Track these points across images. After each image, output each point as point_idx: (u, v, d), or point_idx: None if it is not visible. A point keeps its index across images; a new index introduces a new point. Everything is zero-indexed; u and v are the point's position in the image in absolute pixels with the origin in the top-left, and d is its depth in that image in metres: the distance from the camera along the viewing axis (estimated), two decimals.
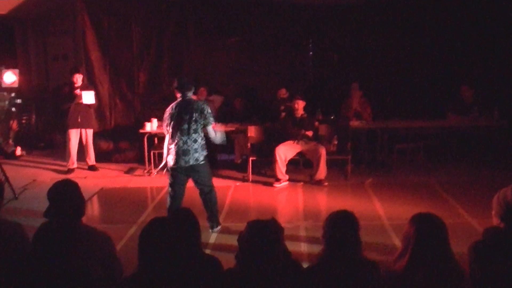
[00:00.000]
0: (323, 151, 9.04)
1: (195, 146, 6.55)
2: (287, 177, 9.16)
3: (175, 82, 6.70)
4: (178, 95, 6.68)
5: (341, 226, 3.35)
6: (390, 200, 8.09)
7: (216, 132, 6.72)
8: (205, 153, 6.67)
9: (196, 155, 6.57)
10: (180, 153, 6.55)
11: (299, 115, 9.34)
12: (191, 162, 6.57)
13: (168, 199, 6.80)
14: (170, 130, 6.64)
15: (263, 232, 3.19)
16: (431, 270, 3.15)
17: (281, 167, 9.05)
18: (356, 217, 3.46)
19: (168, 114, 6.69)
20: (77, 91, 9.94)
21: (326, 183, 9.03)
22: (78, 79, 10.02)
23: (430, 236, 3.22)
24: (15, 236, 3.80)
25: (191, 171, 6.65)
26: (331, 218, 3.42)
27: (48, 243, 3.44)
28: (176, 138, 6.57)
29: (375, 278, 3.34)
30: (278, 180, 9.07)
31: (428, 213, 3.40)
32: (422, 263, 3.17)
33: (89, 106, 10.12)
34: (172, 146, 6.61)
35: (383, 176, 9.54)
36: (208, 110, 6.61)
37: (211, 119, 6.61)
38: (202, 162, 6.64)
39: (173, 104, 6.72)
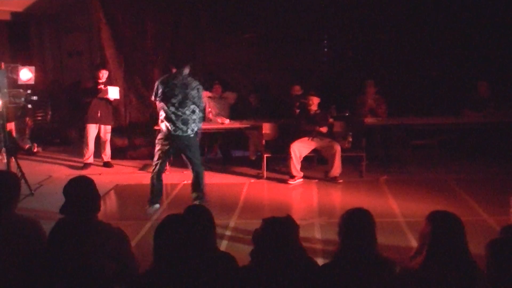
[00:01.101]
0: (338, 148, 9.01)
1: (194, 116, 6.83)
2: (301, 174, 9.13)
3: (172, 58, 7.06)
4: (174, 70, 6.92)
5: (356, 223, 3.34)
6: (405, 197, 8.04)
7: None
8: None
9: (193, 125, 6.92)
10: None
11: (313, 112, 9.31)
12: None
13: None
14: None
15: (279, 229, 3.19)
16: (448, 268, 3.13)
17: (296, 164, 9.03)
18: (372, 214, 3.44)
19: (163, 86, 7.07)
20: (102, 86, 10.01)
21: (340, 180, 8.99)
22: (104, 75, 10.11)
23: (446, 234, 3.19)
24: (31, 232, 3.82)
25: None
26: (347, 215, 3.41)
27: (64, 239, 3.45)
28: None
29: (390, 275, 3.32)
30: (292, 177, 9.05)
31: (444, 211, 3.38)
32: (438, 261, 3.15)
33: (111, 102, 10.18)
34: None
35: (398, 173, 9.48)
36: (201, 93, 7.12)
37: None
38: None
39: (167, 77, 7.10)
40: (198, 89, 7.06)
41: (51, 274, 3.35)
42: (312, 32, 11.59)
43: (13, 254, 3.67)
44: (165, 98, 7.09)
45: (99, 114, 10.14)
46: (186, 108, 6.95)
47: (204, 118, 7.32)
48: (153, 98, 7.29)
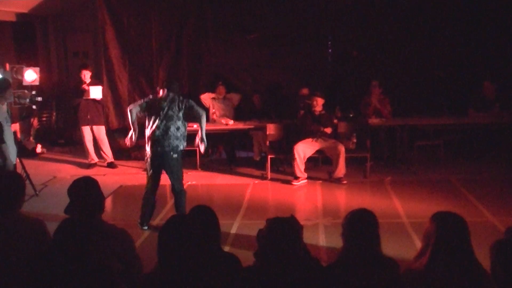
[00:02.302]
0: (342, 149, 9.00)
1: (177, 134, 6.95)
2: (305, 175, 9.13)
3: (166, 82, 7.19)
4: (163, 91, 7.01)
5: (360, 224, 3.33)
6: (410, 198, 8.03)
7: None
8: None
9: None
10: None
11: (318, 112, 9.30)
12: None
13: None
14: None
15: (283, 230, 3.19)
16: (452, 269, 3.12)
17: (300, 165, 9.02)
18: (375, 215, 3.44)
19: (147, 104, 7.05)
20: (85, 87, 10.00)
21: (345, 181, 8.98)
22: (86, 75, 10.10)
23: (451, 235, 3.18)
24: (36, 233, 3.83)
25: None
26: (351, 216, 3.40)
27: (69, 240, 3.46)
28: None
29: (394, 276, 3.32)
30: (296, 178, 9.04)
31: (449, 211, 3.37)
32: (443, 262, 3.14)
33: (97, 102, 10.17)
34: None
35: (403, 174, 9.47)
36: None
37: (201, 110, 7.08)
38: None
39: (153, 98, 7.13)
40: (182, 102, 6.97)
41: (56, 274, 3.35)
42: (317, 32, 11.56)
43: (18, 254, 3.69)
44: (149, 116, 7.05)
45: (89, 116, 10.14)
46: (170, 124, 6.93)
47: (208, 119, 7.21)
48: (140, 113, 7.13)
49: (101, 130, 10.35)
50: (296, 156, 8.99)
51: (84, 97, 10.01)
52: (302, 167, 9.06)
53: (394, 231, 6.51)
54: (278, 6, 11.36)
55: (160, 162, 6.97)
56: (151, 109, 6.94)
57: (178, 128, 6.91)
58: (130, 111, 7.05)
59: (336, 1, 11.32)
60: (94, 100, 10.10)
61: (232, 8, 11.41)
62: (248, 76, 11.71)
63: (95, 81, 10.41)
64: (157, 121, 6.90)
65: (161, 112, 6.86)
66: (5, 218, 3.82)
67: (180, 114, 6.92)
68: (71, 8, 12.72)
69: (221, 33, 11.57)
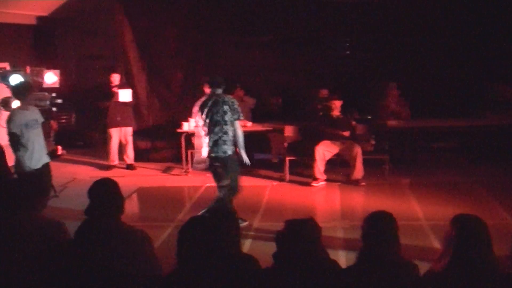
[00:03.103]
0: (358, 150, 8.97)
1: (225, 138, 6.69)
2: (325, 176, 9.11)
3: (208, 79, 6.95)
4: (208, 90, 6.85)
5: (379, 226, 3.32)
6: (429, 200, 7.98)
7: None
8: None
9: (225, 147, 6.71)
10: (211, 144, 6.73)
11: (336, 116, 9.28)
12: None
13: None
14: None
15: (302, 232, 3.18)
16: (473, 272, 3.09)
17: (320, 167, 9.01)
18: (395, 217, 3.42)
19: (199, 108, 6.82)
20: (115, 89, 10.11)
21: (363, 183, 8.95)
22: (116, 78, 10.20)
23: (472, 238, 3.15)
24: (57, 235, 3.86)
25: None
26: (370, 219, 3.39)
27: (89, 241, 3.49)
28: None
29: (414, 279, 3.30)
30: (316, 179, 9.02)
31: (469, 214, 3.34)
32: (463, 266, 3.11)
33: (126, 104, 10.26)
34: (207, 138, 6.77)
35: (422, 176, 9.40)
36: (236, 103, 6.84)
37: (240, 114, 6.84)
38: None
39: (203, 99, 6.88)
40: (232, 102, 6.78)
41: (76, 276, 3.39)
42: (334, 34, 11.55)
43: (38, 256, 3.72)
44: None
45: (118, 118, 10.23)
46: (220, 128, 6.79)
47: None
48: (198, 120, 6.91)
49: (128, 132, 10.45)
50: (317, 157, 8.97)
51: (114, 100, 10.11)
52: (322, 168, 9.04)
53: (413, 233, 6.47)
54: (294, 7, 11.35)
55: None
56: (200, 111, 6.83)
57: (225, 132, 6.74)
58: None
59: (353, 3, 11.28)
60: (123, 103, 10.20)
61: (248, 10, 11.42)
62: (263, 78, 11.72)
63: (124, 83, 10.52)
64: (205, 123, 6.79)
65: (206, 114, 6.77)
66: (24, 219, 3.86)
67: (226, 117, 6.75)
68: (89, 12, 12.82)
69: (236, 35, 11.60)
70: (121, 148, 10.47)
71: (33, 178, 4.49)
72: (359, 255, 3.36)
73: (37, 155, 6.93)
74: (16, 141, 6.77)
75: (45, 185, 7.06)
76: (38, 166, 6.91)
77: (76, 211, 6.88)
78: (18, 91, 7.13)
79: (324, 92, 10.71)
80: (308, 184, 9.03)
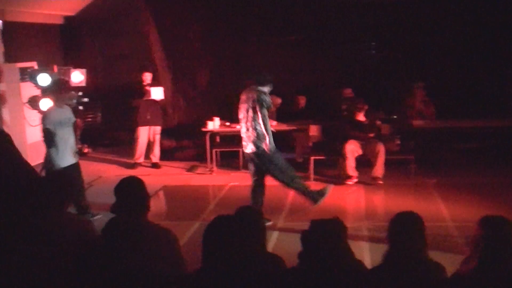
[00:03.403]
0: (381, 148, 8.91)
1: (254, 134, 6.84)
2: (357, 173, 9.05)
3: (254, 75, 7.10)
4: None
5: (406, 227, 3.30)
6: (455, 201, 7.90)
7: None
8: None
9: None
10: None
11: (361, 122, 9.25)
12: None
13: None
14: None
15: (328, 231, 3.17)
16: (502, 275, 3.05)
17: (351, 164, 8.97)
18: (422, 218, 3.39)
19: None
20: (147, 88, 10.16)
21: (381, 182, 8.88)
22: (148, 77, 10.26)
23: (499, 240, 3.11)
24: (84, 232, 3.90)
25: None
26: (397, 219, 3.36)
27: (115, 239, 3.51)
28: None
29: (441, 280, 3.27)
30: (349, 177, 8.98)
31: (497, 215, 3.30)
32: (491, 267, 3.08)
33: (157, 103, 10.32)
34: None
35: (448, 177, 9.28)
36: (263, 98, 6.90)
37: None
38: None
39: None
40: (258, 97, 6.88)
41: (103, 273, 3.41)
42: (360, 33, 11.48)
43: (66, 254, 3.76)
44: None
45: (148, 116, 10.29)
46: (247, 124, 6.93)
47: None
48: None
49: (156, 131, 10.51)
50: (348, 155, 8.94)
51: (145, 98, 10.17)
52: (354, 165, 9.01)
53: (438, 234, 6.41)
54: (320, 7, 11.32)
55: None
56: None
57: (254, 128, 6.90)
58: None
59: (379, 2, 11.21)
60: (154, 101, 10.26)
61: (273, 9, 11.41)
62: (289, 78, 11.69)
63: (155, 82, 10.59)
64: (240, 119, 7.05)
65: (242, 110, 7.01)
66: (52, 218, 3.91)
67: (256, 112, 6.89)
68: (115, 11, 12.94)
69: (262, 34, 11.59)
70: (148, 146, 10.54)
71: (63, 176, 4.54)
72: (385, 256, 3.34)
73: (67, 153, 7.04)
74: (49, 137, 6.92)
75: (74, 183, 7.16)
76: (68, 164, 7.02)
77: (102, 209, 6.99)
78: (52, 89, 7.26)
79: (348, 92, 10.65)
80: (333, 183, 8.97)
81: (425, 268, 3.25)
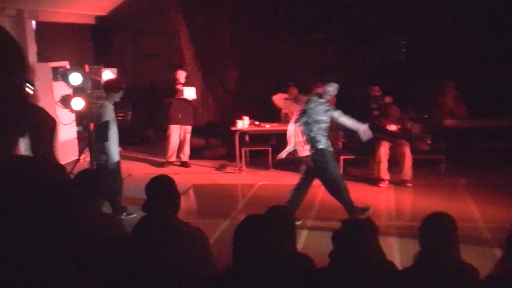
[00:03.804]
0: (407, 150, 8.81)
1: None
2: (389, 176, 8.99)
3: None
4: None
5: (438, 227, 3.26)
6: (487, 201, 7.78)
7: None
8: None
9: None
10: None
11: (388, 108, 9.21)
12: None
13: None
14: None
15: (359, 231, 3.15)
16: None
17: (385, 167, 8.92)
18: (454, 219, 3.35)
19: None
20: (179, 87, 10.21)
21: (409, 184, 8.79)
22: (181, 75, 10.30)
23: None
24: (114, 229, 3.95)
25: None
26: (429, 219, 3.33)
27: (147, 237, 3.54)
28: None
29: (474, 283, 3.22)
30: (382, 180, 8.91)
31: None
32: None
33: (189, 102, 10.36)
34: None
35: (479, 177, 9.15)
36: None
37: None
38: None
39: None
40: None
41: (133, 270, 3.44)
42: (390, 32, 11.39)
43: (96, 250, 3.81)
44: None
45: (180, 115, 10.34)
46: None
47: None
48: None
49: (187, 130, 10.56)
50: (383, 158, 8.89)
51: (177, 97, 10.23)
52: (386, 167, 8.97)
53: (470, 235, 6.32)
54: (350, 5, 11.25)
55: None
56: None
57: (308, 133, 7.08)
58: None
59: (410, 1, 11.10)
60: (185, 100, 10.31)
61: (303, 8, 11.38)
62: (318, 76, 11.63)
63: (186, 81, 10.65)
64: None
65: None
66: (85, 213, 3.97)
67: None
68: (146, 11, 13.05)
69: (291, 33, 11.57)
70: (179, 145, 10.59)
71: (95, 172, 4.64)
72: (416, 257, 3.31)
73: (117, 149, 7.29)
74: (107, 130, 7.11)
75: (116, 180, 7.36)
76: (117, 160, 7.23)
77: (131, 207, 7.07)
78: (109, 87, 7.43)
79: (376, 89, 10.57)
80: (363, 183, 8.92)
81: (458, 270, 3.21)
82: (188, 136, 10.57)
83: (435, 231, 3.25)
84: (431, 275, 3.16)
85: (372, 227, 3.25)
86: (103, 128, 7.17)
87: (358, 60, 11.53)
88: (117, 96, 7.59)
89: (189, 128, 10.56)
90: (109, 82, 7.60)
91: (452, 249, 3.24)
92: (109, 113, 7.22)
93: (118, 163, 7.42)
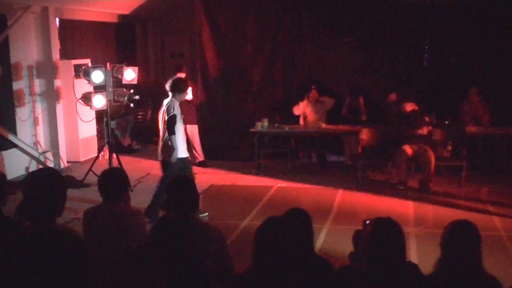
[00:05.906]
0: (432, 158, 8.73)
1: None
2: (408, 180, 8.93)
3: None
4: None
5: (461, 236, 3.19)
6: (508, 210, 7.67)
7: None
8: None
9: None
10: None
11: (408, 112, 9.15)
12: None
13: None
14: None
15: (388, 231, 3.09)
16: None
17: (403, 171, 8.86)
18: (477, 228, 3.28)
19: None
20: None
21: (430, 190, 8.71)
22: (181, 76, 10.30)
23: None
24: (134, 225, 3.98)
25: None
26: (452, 227, 3.27)
27: (166, 236, 3.54)
28: None
29: None
30: (401, 183, 8.88)
31: None
32: None
33: (189, 102, 10.31)
34: None
35: (501, 185, 9.02)
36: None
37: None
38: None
39: None
40: None
41: (152, 268, 3.44)
42: (413, 36, 11.27)
43: (116, 245, 3.84)
44: None
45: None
46: None
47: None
48: None
49: (194, 130, 10.53)
50: (402, 162, 8.83)
51: None
52: (405, 172, 8.92)
53: (491, 244, 6.22)
54: (373, 9, 11.17)
55: None
56: None
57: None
58: None
59: (434, 4, 10.99)
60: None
61: (328, 11, 11.32)
62: (341, 79, 11.58)
63: (190, 82, 10.63)
64: None
65: None
66: (111, 208, 4.03)
67: None
68: (169, 10, 13.11)
69: (316, 36, 11.51)
70: (191, 146, 10.57)
71: (119, 171, 4.73)
72: (437, 264, 3.25)
73: (182, 146, 7.38)
74: (173, 124, 7.31)
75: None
76: (183, 156, 7.41)
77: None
78: (176, 87, 7.54)
79: (392, 97, 10.47)
80: (381, 188, 8.86)
81: (480, 281, 3.15)
82: (197, 137, 10.53)
83: (458, 240, 3.19)
84: (452, 284, 3.10)
85: (396, 228, 3.17)
86: (169, 122, 7.32)
87: (382, 64, 11.42)
88: (183, 96, 7.70)
89: (195, 127, 10.52)
90: (176, 82, 7.70)
91: (475, 259, 3.17)
92: (177, 109, 7.38)
93: (185, 160, 7.49)
